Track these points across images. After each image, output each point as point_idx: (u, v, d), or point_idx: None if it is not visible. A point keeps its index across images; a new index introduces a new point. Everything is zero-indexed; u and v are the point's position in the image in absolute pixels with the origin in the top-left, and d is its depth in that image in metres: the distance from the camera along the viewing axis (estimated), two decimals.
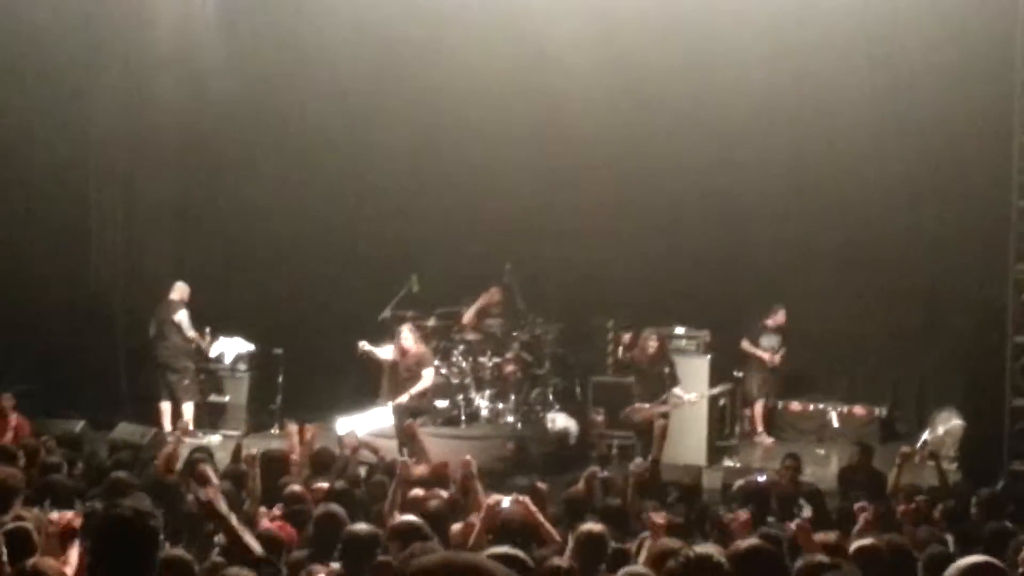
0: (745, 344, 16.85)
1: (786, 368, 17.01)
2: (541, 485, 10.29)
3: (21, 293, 16.88)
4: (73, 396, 16.14)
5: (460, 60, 17.08)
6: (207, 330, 16.76)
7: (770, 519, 9.53)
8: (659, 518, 7.90)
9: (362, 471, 12.00)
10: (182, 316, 16.29)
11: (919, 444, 14.64)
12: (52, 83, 16.91)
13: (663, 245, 17.53)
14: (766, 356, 16.79)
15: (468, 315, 16.30)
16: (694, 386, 15.08)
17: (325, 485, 10.11)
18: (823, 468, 14.74)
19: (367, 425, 14.48)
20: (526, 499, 8.59)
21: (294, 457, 11.76)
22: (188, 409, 16.25)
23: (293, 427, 12.89)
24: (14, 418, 14.29)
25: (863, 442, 13.81)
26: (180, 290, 16.41)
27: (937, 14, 15.19)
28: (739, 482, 10.75)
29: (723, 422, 16.02)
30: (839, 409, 16.97)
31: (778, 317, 16.80)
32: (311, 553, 7.91)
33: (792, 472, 11.88)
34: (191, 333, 16.31)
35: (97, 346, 17.38)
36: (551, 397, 16.23)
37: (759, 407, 16.87)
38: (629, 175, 17.37)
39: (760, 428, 16.82)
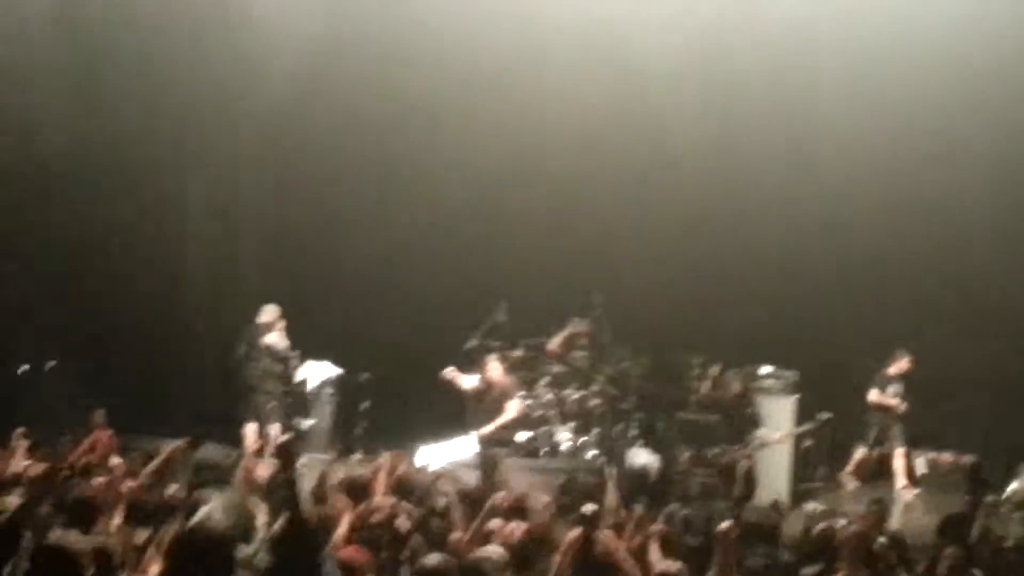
0: (874, 395, 16.54)
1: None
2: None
3: (112, 311, 17.13)
4: (162, 415, 16.32)
5: (549, 86, 17.09)
6: (296, 353, 16.88)
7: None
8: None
9: (442, 500, 11.96)
10: (272, 339, 16.40)
11: (1005, 495, 14.36)
12: (151, 105, 17.16)
13: (755, 283, 17.41)
14: (893, 403, 16.52)
15: (553, 344, 16.24)
16: (779, 426, 14.92)
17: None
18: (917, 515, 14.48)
19: (449, 455, 14.47)
20: (609, 532, 8.53)
21: (378, 484, 11.75)
22: (274, 431, 16.35)
23: (385, 457, 12.84)
24: (103, 434, 14.45)
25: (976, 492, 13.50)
26: (269, 312, 16.52)
27: None
28: (820, 526, 10.58)
29: (807, 464, 15.82)
30: (927, 455, 16.70)
31: (901, 364, 16.52)
32: None
33: (876, 519, 11.66)
34: (286, 353, 16.34)
35: (186, 366, 17.58)
36: (634, 432, 16.14)
37: (862, 453, 16.54)
38: (720, 209, 17.30)
39: (903, 480, 16.50)
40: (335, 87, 17.64)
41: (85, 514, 8.38)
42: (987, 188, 16.34)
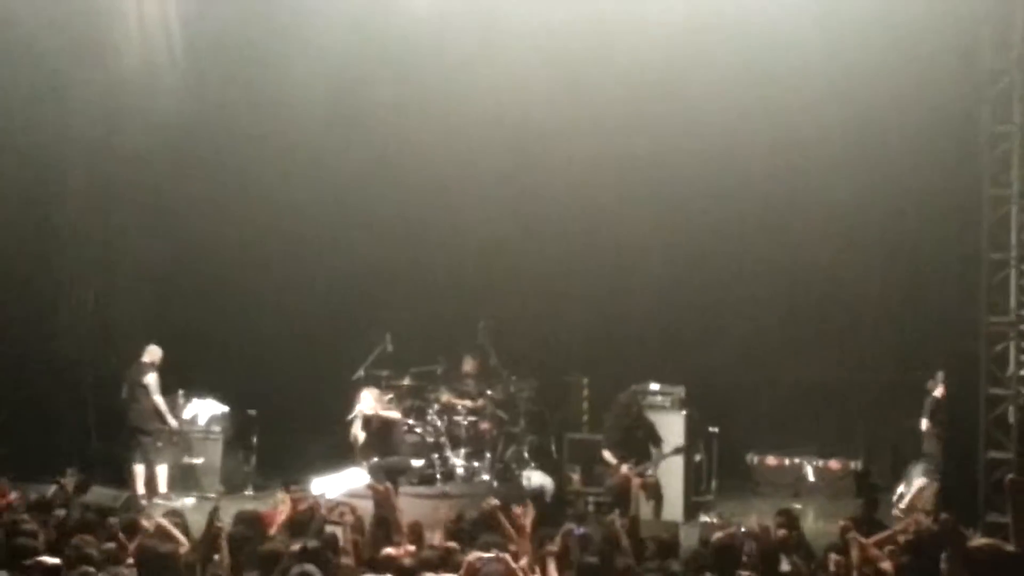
0: (925, 424, 15.77)
1: None
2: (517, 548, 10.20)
3: None
4: (46, 459, 15.97)
5: (434, 112, 17.08)
6: (180, 392, 16.68)
7: (743, 573, 9.48)
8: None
9: (339, 532, 11.87)
10: (151, 379, 16.17)
11: (895, 497, 14.62)
12: (23, 127, 16.79)
13: (638, 302, 17.60)
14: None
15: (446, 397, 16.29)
16: (669, 442, 15.04)
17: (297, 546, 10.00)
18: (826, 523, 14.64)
19: (341, 485, 14.40)
20: (506, 556, 8.54)
21: (280, 518, 11.64)
22: (162, 472, 16.12)
23: (283, 494, 12.70)
24: None
25: (870, 495, 13.64)
26: (152, 353, 16.29)
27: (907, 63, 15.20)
28: (717, 535, 10.69)
29: (699, 478, 15.99)
30: (815, 463, 16.97)
31: (940, 387, 15.74)
32: None
33: (784, 528, 11.73)
34: (157, 397, 16.17)
35: (68, 408, 17.25)
36: (526, 455, 16.20)
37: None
38: (601, 232, 17.45)
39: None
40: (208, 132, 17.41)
41: None
42: (851, 199, 16.58)
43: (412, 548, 9.91)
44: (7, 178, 16.73)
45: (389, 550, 9.67)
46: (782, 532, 11.40)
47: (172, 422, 16.36)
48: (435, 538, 12.27)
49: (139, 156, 17.48)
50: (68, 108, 16.93)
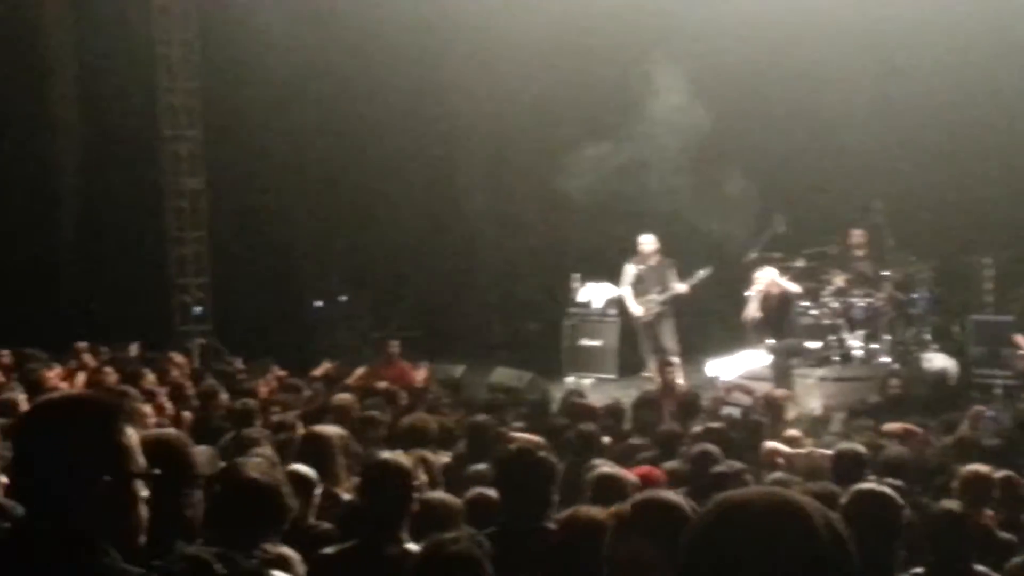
0: None
1: None
2: (913, 428, 10.00)
3: (400, 248, 17.65)
4: (452, 342, 16.77)
5: None
6: (576, 276, 17.02)
7: None
8: None
9: (734, 412, 11.94)
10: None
11: None
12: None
13: None
14: None
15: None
16: None
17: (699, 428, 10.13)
18: None
19: (738, 367, 14.42)
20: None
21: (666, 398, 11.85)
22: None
23: (653, 365, 12.92)
24: (401, 363, 14.98)
25: None
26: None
27: None
28: None
29: None
30: None
31: None
32: (689, 491, 7.92)
33: None
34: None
35: (471, 295, 18.01)
36: (927, 336, 15.73)
37: None
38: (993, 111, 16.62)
39: None
40: None
41: None
42: None
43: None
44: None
45: (791, 432, 9.67)
46: None
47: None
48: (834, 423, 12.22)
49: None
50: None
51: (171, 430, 4.24)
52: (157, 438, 4.01)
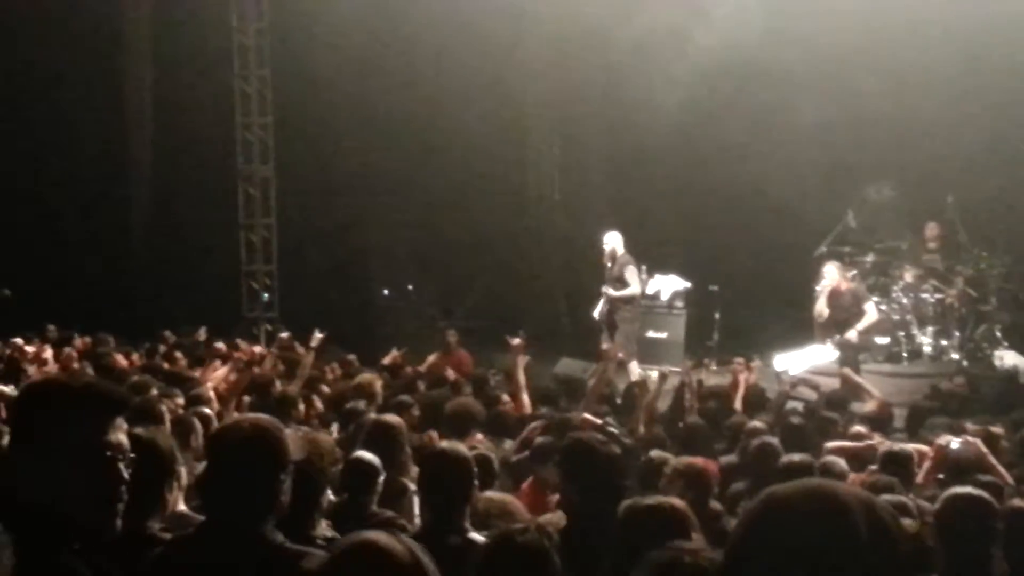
0: None
1: None
2: (995, 429, 9.84)
3: (467, 235, 17.67)
4: (515, 332, 16.75)
5: None
6: (643, 268, 16.95)
7: None
8: None
9: (799, 407, 11.85)
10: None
11: None
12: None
13: None
14: None
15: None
16: None
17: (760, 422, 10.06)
18: None
19: (805, 362, 14.31)
20: (977, 440, 8.22)
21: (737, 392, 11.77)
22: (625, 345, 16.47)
23: (740, 361, 12.79)
24: (460, 353, 15.02)
25: None
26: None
27: None
28: None
29: None
30: None
31: None
32: (749, 485, 7.88)
33: None
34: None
35: (537, 286, 18.00)
36: (998, 334, 15.54)
37: None
38: None
39: None
40: None
41: None
42: None
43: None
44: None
45: (858, 428, 9.58)
46: None
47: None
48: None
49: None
50: None
51: (264, 416, 4.19)
52: (253, 423, 3.97)
